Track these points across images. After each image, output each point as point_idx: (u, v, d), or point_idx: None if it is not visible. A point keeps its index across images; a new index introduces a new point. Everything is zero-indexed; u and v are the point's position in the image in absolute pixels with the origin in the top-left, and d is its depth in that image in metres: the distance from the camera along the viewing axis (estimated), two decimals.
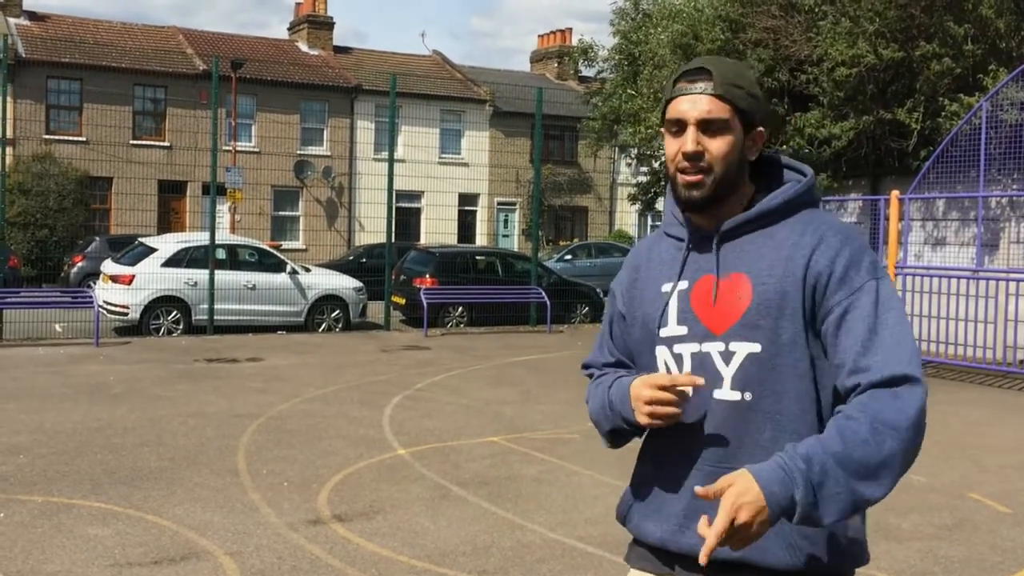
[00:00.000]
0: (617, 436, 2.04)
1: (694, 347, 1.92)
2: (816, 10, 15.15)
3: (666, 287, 1.98)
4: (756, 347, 1.85)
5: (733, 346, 1.87)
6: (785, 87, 15.93)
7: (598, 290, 19.04)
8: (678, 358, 1.94)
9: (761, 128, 1.95)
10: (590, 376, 2.17)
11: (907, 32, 14.42)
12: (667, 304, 1.97)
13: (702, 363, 1.90)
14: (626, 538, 2.12)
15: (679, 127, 1.92)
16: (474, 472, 6.86)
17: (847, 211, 15.79)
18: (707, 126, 1.90)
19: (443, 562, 5.01)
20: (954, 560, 5.27)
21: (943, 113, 13.96)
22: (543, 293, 16.97)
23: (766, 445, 1.83)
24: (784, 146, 16.06)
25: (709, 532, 1.64)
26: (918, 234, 14.45)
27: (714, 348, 1.89)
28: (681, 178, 1.93)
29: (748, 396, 1.85)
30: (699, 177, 1.91)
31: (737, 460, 1.84)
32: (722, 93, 1.89)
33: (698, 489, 1.70)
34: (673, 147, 1.94)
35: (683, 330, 1.94)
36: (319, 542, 5.26)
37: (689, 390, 1.86)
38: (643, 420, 1.88)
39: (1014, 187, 13.23)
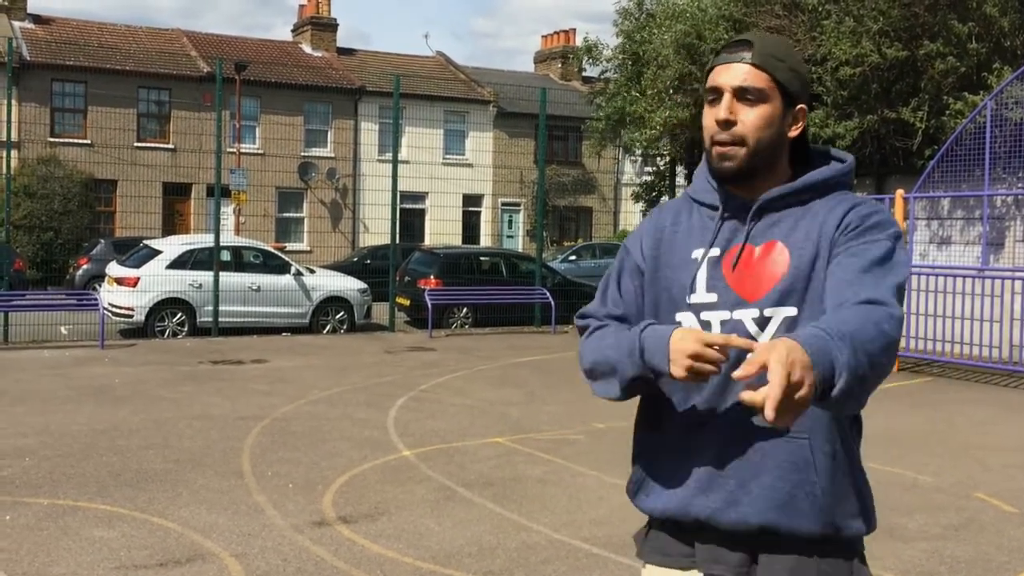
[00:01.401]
0: (635, 385, 1.92)
1: (724, 315, 1.91)
2: (820, 9, 15.14)
3: (696, 253, 1.97)
4: (792, 311, 1.87)
5: (769, 311, 1.88)
6: None
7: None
8: (705, 325, 1.92)
9: (803, 106, 1.96)
10: (585, 327, 2.08)
11: (911, 31, 14.41)
12: (697, 271, 1.95)
13: (733, 330, 1.89)
14: (630, 539, 2.11)
15: (716, 95, 1.93)
16: (479, 473, 6.86)
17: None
18: (744, 94, 1.89)
19: (448, 563, 5.01)
20: (960, 560, 5.26)
21: (947, 112, 13.94)
22: (547, 294, 16.96)
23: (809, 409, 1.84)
24: None
25: (770, 387, 1.49)
26: (923, 233, 14.42)
27: (747, 315, 1.89)
28: (716, 149, 1.93)
29: None
30: (731, 148, 1.91)
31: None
32: (760, 63, 1.89)
33: (741, 371, 1.55)
34: (709, 116, 1.94)
35: (712, 297, 1.93)
36: (324, 544, 5.26)
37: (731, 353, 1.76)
38: (678, 373, 1.77)
39: (1019, 185, 13.20)
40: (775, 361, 1.50)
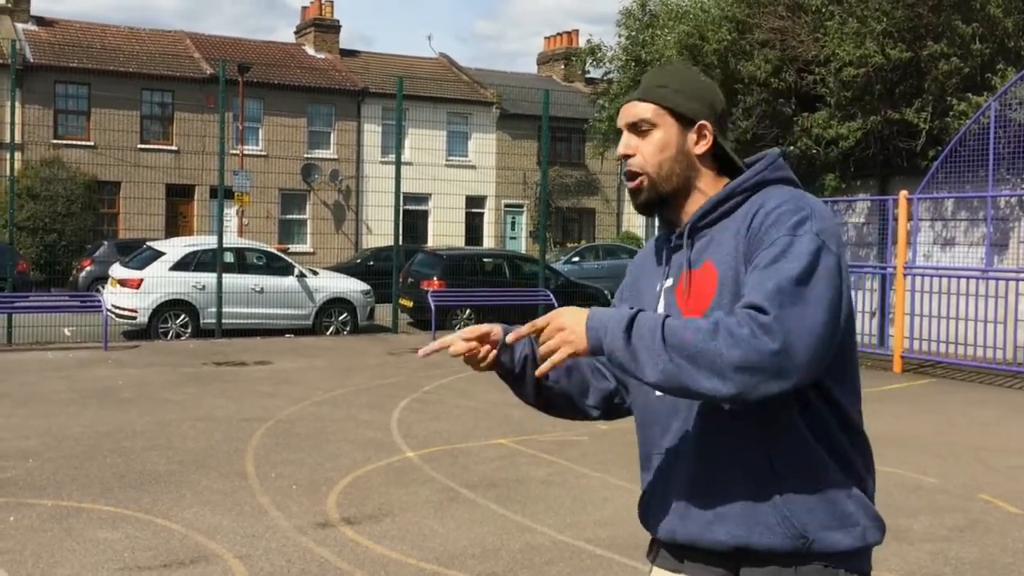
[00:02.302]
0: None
1: None
2: (823, 10, 15.12)
3: (657, 286, 2.04)
4: None
5: None
6: (792, 88, 15.91)
7: (606, 292, 19.02)
8: None
9: (703, 122, 1.98)
10: None
11: (915, 32, 14.39)
12: (658, 303, 2.01)
13: None
14: (634, 540, 2.12)
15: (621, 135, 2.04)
16: (483, 474, 6.85)
17: (855, 211, 15.75)
18: (637, 129, 1.99)
19: (452, 564, 5.00)
20: (965, 562, 5.24)
21: (951, 113, 13.92)
22: (551, 295, 16.95)
23: (751, 422, 1.84)
24: (792, 147, 16.03)
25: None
26: (927, 234, 14.40)
27: None
28: (628, 186, 2.03)
29: None
30: (636, 182, 1.99)
31: (731, 442, 1.87)
32: (642, 96, 1.99)
33: (508, 338, 1.97)
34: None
35: None
36: (328, 545, 5.26)
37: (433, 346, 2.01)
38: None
39: (1023, 186, 13.18)
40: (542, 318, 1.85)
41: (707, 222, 1.96)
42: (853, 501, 1.88)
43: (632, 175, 1.99)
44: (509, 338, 1.95)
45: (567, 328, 1.82)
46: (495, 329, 2.02)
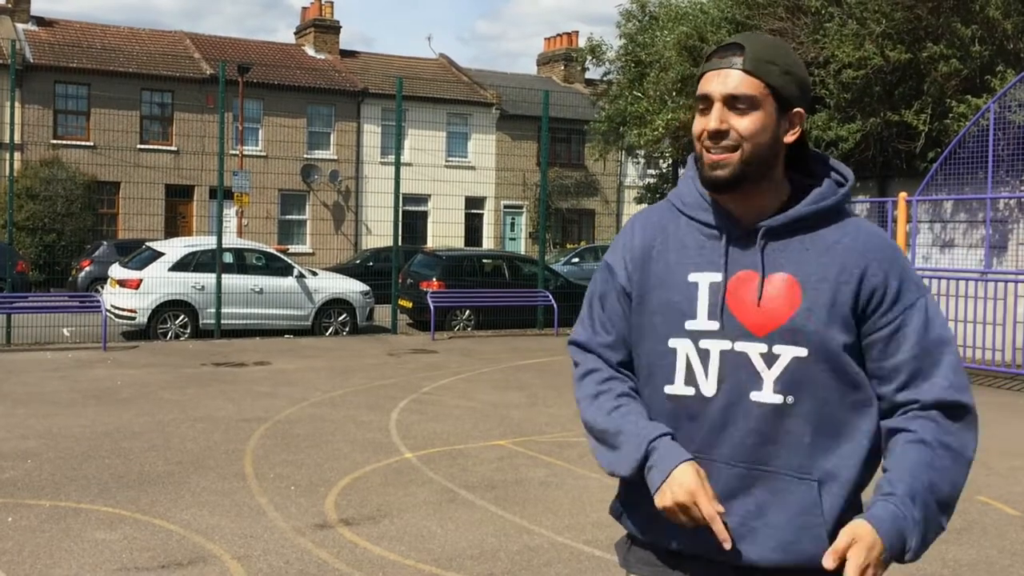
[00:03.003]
0: (621, 478, 1.98)
1: (725, 344, 1.84)
2: (822, 12, 15.13)
3: (695, 276, 1.88)
4: (803, 352, 1.81)
5: (777, 349, 1.82)
6: None
7: None
8: (704, 354, 1.86)
9: (800, 109, 1.88)
10: (579, 361, 2.05)
11: (914, 33, 14.39)
12: (697, 295, 1.88)
13: (735, 362, 1.84)
14: None
15: (707, 103, 1.85)
16: (481, 476, 6.85)
17: (855, 213, 15.77)
18: (735, 102, 1.82)
19: (450, 566, 5.00)
20: (963, 564, 5.24)
21: (951, 115, 13.92)
22: (550, 296, 16.95)
23: (804, 448, 1.83)
24: None
25: None
26: (926, 236, 14.40)
27: (754, 349, 1.83)
28: (707, 156, 1.85)
29: (791, 400, 1.82)
30: (724, 156, 1.83)
31: (773, 461, 1.84)
32: (752, 69, 1.81)
33: (828, 560, 1.71)
34: (699, 125, 1.87)
35: (714, 325, 1.86)
36: (326, 546, 5.26)
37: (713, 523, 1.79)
38: (660, 504, 1.81)
39: (1022, 188, 13.19)
40: (852, 564, 1.68)
41: (787, 231, 1.87)
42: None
43: (719, 150, 1.83)
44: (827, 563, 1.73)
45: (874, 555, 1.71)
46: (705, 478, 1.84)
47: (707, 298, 1.87)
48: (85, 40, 29.69)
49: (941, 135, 14.28)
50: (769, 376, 1.82)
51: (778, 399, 1.82)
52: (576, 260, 27.23)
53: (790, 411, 1.82)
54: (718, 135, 1.83)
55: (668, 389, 1.90)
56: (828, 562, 1.69)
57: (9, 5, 29.86)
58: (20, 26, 29.45)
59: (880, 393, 1.86)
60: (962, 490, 1.83)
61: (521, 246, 34.21)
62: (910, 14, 14.20)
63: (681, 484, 1.77)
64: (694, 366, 1.87)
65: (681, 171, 22.07)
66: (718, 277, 1.87)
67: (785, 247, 1.86)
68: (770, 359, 1.82)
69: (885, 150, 15.29)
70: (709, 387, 1.86)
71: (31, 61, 26.92)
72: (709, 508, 1.75)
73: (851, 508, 1.85)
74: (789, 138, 1.88)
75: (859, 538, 1.69)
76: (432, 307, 15.81)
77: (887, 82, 14.73)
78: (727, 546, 1.76)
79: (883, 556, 1.70)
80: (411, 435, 8.15)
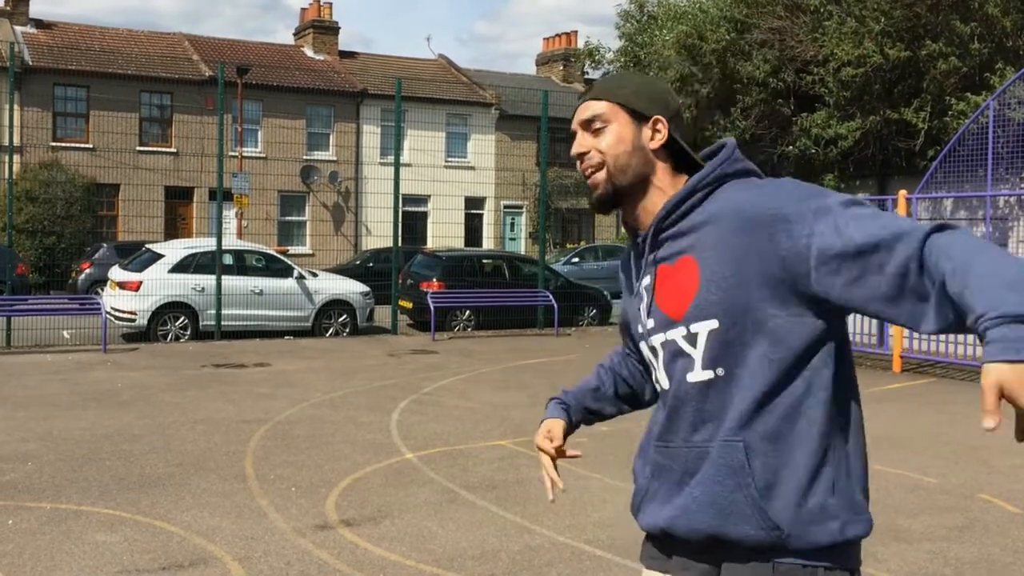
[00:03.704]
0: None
1: (662, 337, 1.97)
2: (822, 10, 15.14)
3: (636, 285, 2.06)
4: (714, 323, 1.87)
5: (694, 327, 1.90)
6: (791, 87, 15.92)
7: (605, 293, 19.02)
8: (653, 351, 2.01)
9: (657, 117, 1.98)
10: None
11: (913, 31, 14.40)
12: (640, 302, 2.04)
13: (671, 351, 1.95)
14: (634, 541, 2.13)
15: (572, 137, 2.04)
16: (482, 476, 6.85)
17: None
18: (590, 126, 2.00)
19: (451, 566, 5.00)
20: (964, 561, 5.24)
21: (950, 112, 13.93)
22: (550, 296, 16.94)
23: (739, 415, 1.85)
24: (791, 146, 16.04)
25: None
26: None
27: (677, 334, 1.93)
28: (588, 184, 2.03)
29: (720, 371, 1.88)
30: (594, 177, 2.00)
31: (721, 433, 1.87)
32: (596, 96, 2.01)
33: (988, 424, 1.57)
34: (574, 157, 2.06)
35: (651, 323, 2.00)
36: (327, 547, 5.25)
37: (547, 482, 2.31)
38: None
39: (1022, 185, 13.18)
40: (987, 390, 1.55)
41: (672, 220, 1.96)
42: (840, 497, 1.85)
43: (590, 171, 2.00)
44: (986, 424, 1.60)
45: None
46: (556, 430, 2.34)
47: (645, 301, 2.03)
48: (84, 42, 29.69)
49: (941, 133, 14.28)
50: (697, 354, 1.91)
51: (708, 374, 1.89)
52: (576, 260, 27.22)
53: (722, 382, 1.88)
54: (581, 157, 2.01)
55: (658, 389, 2.08)
56: (989, 422, 1.57)
57: (8, 8, 29.87)
58: (19, 28, 29.45)
59: (880, 303, 1.72)
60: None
61: (521, 246, 34.20)
62: (909, 12, 14.21)
63: (541, 430, 2.31)
64: (653, 363, 2.04)
65: None
66: (648, 280, 2.02)
67: (686, 233, 1.95)
68: (691, 339, 1.91)
69: (885, 148, 15.30)
70: (664, 379, 2.00)
71: (30, 63, 26.92)
72: (540, 444, 2.29)
73: (792, 470, 1.82)
74: (654, 144, 1.99)
75: (1001, 381, 1.56)
76: (432, 307, 15.80)
77: (886, 80, 14.73)
78: (549, 496, 2.29)
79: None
80: (412, 435, 8.15)
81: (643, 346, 2.06)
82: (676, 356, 1.94)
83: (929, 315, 1.67)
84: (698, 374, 1.90)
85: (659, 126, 1.99)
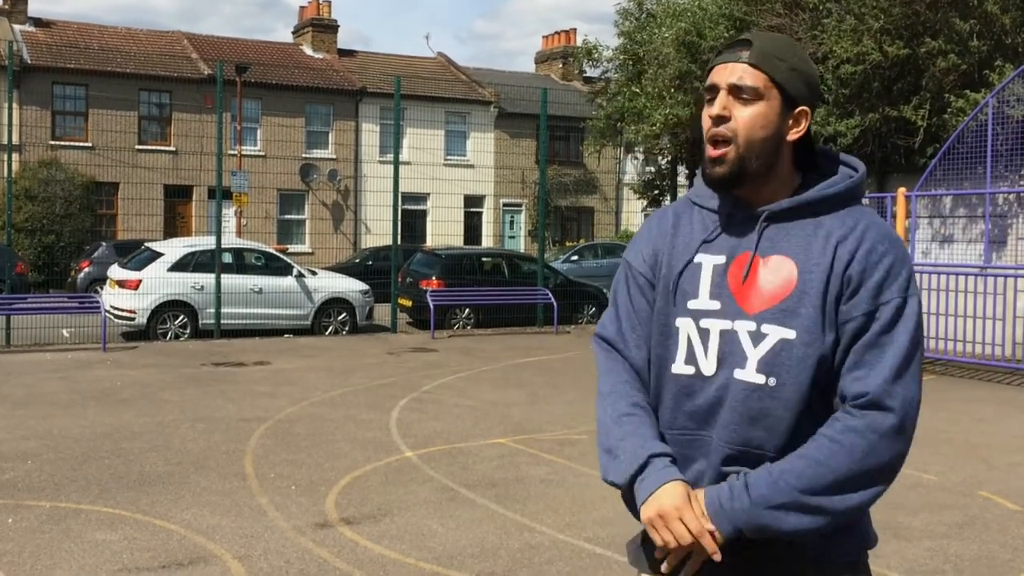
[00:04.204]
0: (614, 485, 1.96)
1: (725, 324, 1.88)
2: (821, 8, 15.13)
3: (700, 258, 1.93)
4: (791, 334, 1.82)
5: (765, 328, 1.84)
6: None
7: (605, 291, 19.01)
8: (704, 333, 1.90)
9: (805, 108, 1.90)
10: (604, 350, 2.08)
11: (912, 29, 14.39)
12: (700, 276, 1.92)
13: (728, 339, 1.87)
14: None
15: (713, 93, 1.90)
16: (482, 474, 6.85)
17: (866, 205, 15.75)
18: (739, 92, 1.86)
19: (451, 564, 5.00)
20: (964, 558, 5.24)
21: (949, 110, 13.92)
22: (550, 294, 16.94)
23: (785, 432, 1.83)
24: None
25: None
26: (925, 231, 14.41)
27: (743, 327, 1.86)
28: (708, 152, 1.90)
29: (772, 381, 1.83)
30: (722, 151, 1.87)
31: (757, 443, 1.84)
32: (757, 62, 1.86)
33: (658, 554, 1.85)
34: (706, 115, 1.91)
35: (715, 305, 1.89)
36: (327, 545, 5.25)
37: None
38: (644, 516, 1.85)
39: (1021, 183, 13.18)
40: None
41: (790, 216, 1.89)
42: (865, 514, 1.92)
43: (719, 140, 1.88)
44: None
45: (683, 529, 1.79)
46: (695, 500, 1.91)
47: (709, 278, 1.91)
48: (83, 41, 29.66)
49: (940, 130, 14.27)
50: (754, 355, 1.84)
51: (760, 379, 1.84)
52: (575, 258, 27.21)
53: (772, 392, 1.83)
54: (720, 119, 1.87)
55: (673, 368, 1.93)
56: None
57: (6, 6, 29.84)
58: (17, 27, 29.43)
59: (839, 385, 1.83)
60: (870, 476, 1.76)
61: (520, 244, 34.20)
62: (908, 9, 14.20)
63: (670, 498, 1.81)
64: (695, 345, 1.91)
65: (680, 168, 22.11)
66: (721, 259, 1.91)
67: (788, 231, 1.88)
68: (757, 337, 1.85)
69: (884, 145, 15.29)
70: (709, 366, 1.89)
71: (29, 62, 26.90)
72: (696, 524, 1.79)
73: None
74: (793, 136, 1.91)
75: (667, 513, 1.80)
76: (432, 306, 15.80)
77: (885, 77, 14.73)
78: (717, 558, 1.79)
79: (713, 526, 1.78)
80: (411, 434, 8.15)
81: (684, 322, 1.92)
82: (731, 347, 1.86)
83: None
84: (748, 374, 1.84)
85: (803, 119, 1.91)
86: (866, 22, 14.21)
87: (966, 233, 14.01)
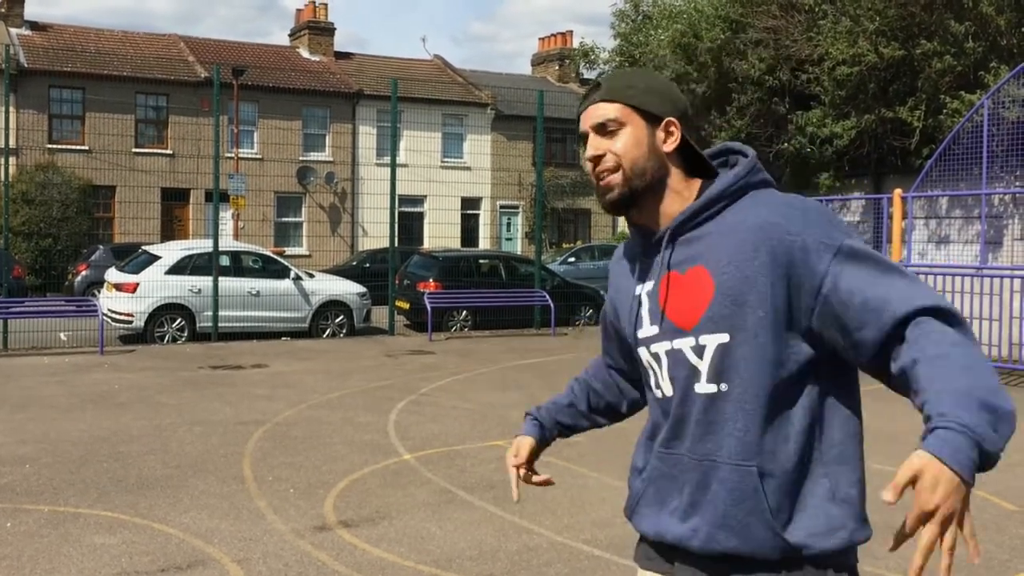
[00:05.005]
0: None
1: (667, 345, 1.95)
2: (816, 9, 15.17)
3: (638, 289, 2.03)
4: (724, 337, 1.86)
5: (703, 339, 1.88)
6: (786, 86, 15.94)
7: (602, 292, 19.03)
8: (655, 357, 1.98)
9: (670, 119, 1.96)
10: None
11: (907, 30, 14.43)
12: (639, 306, 2.01)
13: (677, 360, 1.93)
14: (632, 541, 2.13)
15: (584, 139, 2.00)
16: (480, 476, 6.86)
17: (850, 210, 15.78)
18: (603, 130, 1.96)
19: (449, 567, 5.01)
20: (961, 558, 5.21)
21: (945, 111, 13.95)
22: (547, 296, 16.96)
23: (742, 435, 1.85)
24: (786, 144, 16.06)
25: (919, 546, 1.65)
26: (921, 232, 14.43)
27: (685, 344, 1.91)
28: (598, 186, 1.98)
29: (724, 387, 1.87)
30: (609, 179, 1.95)
31: (719, 452, 1.87)
32: (609, 96, 1.96)
33: (887, 497, 1.63)
34: (585, 161, 2.02)
35: (655, 329, 1.97)
36: (325, 548, 5.26)
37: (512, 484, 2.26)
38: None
39: (1017, 184, 13.22)
40: (920, 506, 1.63)
41: (691, 226, 1.94)
42: (843, 507, 1.90)
43: (605, 173, 1.96)
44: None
45: (941, 486, 1.61)
46: (523, 449, 2.28)
47: (647, 306, 2.00)
48: (79, 44, 29.66)
49: (935, 131, 14.31)
50: (703, 366, 1.89)
51: (712, 387, 1.88)
52: (572, 260, 27.22)
53: (725, 398, 1.87)
54: (597, 160, 1.97)
55: (649, 395, 2.07)
56: (888, 496, 1.62)
57: (2, 10, 29.83)
58: (14, 31, 29.41)
59: (863, 352, 1.79)
60: (993, 373, 1.66)
61: (517, 246, 34.21)
62: (903, 11, 14.24)
63: (510, 449, 2.26)
64: (655, 370, 2.00)
65: None
66: (651, 285, 1.99)
67: (698, 240, 1.93)
68: (699, 350, 1.90)
69: (880, 147, 15.33)
70: (667, 387, 1.97)
71: (25, 66, 26.88)
72: (507, 459, 2.25)
73: (803, 488, 1.87)
74: (668, 147, 1.97)
75: (920, 468, 1.61)
76: (429, 308, 15.81)
77: (881, 79, 14.76)
78: (513, 496, 2.22)
79: (955, 480, 1.59)
80: (409, 436, 8.16)
81: (641, 352, 2.02)
82: (681, 366, 1.92)
83: (880, 361, 1.77)
84: (704, 386, 1.89)
85: (672, 128, 1.96)
86: (861, 24, 14.24)
87: (962, 234, 14.04)
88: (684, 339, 1.91)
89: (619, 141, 1.95)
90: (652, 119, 1.95)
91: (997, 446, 1.59)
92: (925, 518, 1.65)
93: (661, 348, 1.96)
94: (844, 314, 1.78)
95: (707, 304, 1.88)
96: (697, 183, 2.00)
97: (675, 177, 1.99)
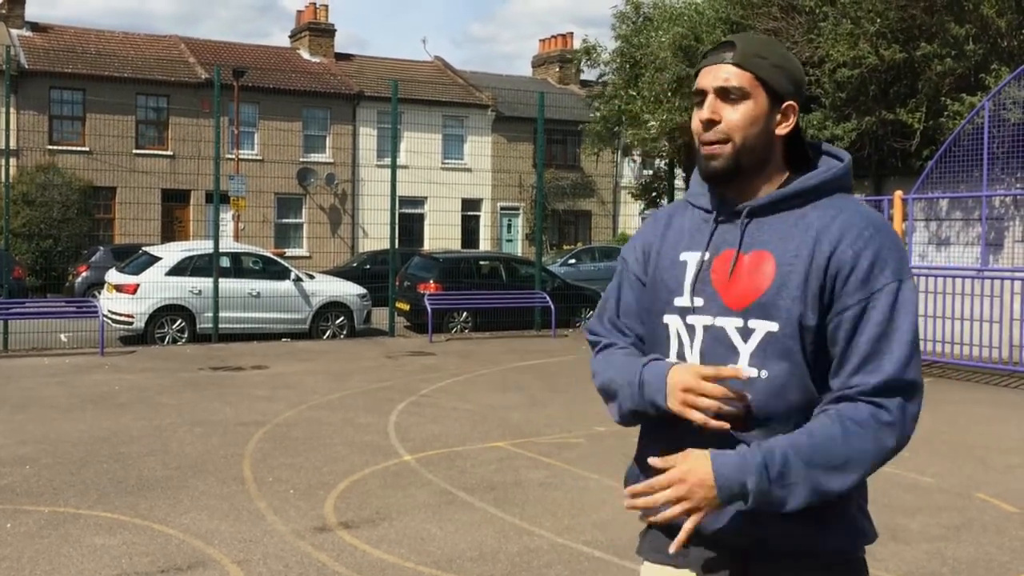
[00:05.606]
0: (637, 416, 1.98)
1: (708, 320, 1.92)
2: (817, 11, 15.16)
3: (686, 256, 1.98)
4: (774, 326, 1.85)
5: (752, 323, 1.87)
6: None
7: (602, 294, 19.01)
8: (690, 329, 1.94)
9: (792, 102, 1.94)
10: (595, 343, 2.14)
11: (908, 33, 14.43)
12: (685, 273, 1.96)
13: (716, 337, 1.90)
14: (632, 542, 2.12)
15: (701, 97, 1.94)
16: (480, 477, 6.86)
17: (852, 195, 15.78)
18: (726, 94, 1.90)
19: (450, 568, 5.01)
20: (961, 561, 5.25)
21: (945, 113, 13.95)
22: (547, 297, 16.96)
23: (773, 421, 1.85)
24: None
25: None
26: (922, 234, 14.43)
27: (730, 324, 1.89)
28: (703, 149, 1.94)
29: (764, 374, 1.86)
30: (717, 148, 1.91)
31: (746, 433, 1.86)
32: (741, 62, 1.90)
33: (652, 460, 1.80)
34: (696, 119, 1.95)
35: (699, 302, 1.93)
36: (326, 549, 5.26)
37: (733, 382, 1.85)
38: (675, 407, 1.84)
39: (1018, 186, 13.22)
40: (668, 474, 1.79)
41: (772, 211, 1.92)
42: (859, 503, 1.94)
43: (714, 142, 1.91)
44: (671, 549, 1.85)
45: (688, 482, 1.77)
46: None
47: (693, 275, 1.95)
48: (80, 45, 29.67)
49: (936, 133, 14.30)
50: (745, 350, 1.88)
51: (752, 372, 1.86)
52: (573, 261, 27.24)
53: (763, 386, 1.86)
54: (710, 123, 1.91)
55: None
56: (655, 461, 1.81)
57: (3, 11, 29.84)
58: (14, 32, 29.43)
59: (833, 380, 1.85)
60: (867, 462, 1.81)
61: (518, 248, 34.21)
62: (904, 13, 14.24)
63: (679, 372, 1.86)
64: (683, 341, 1.95)
65: (677, 171, 22.16)
66: (706, 256, 1.95)
67: (770, 225, 1.91)
68: (746, 333, 1.88)
69: (880, 148, 15.32)
70: (694, 361, 1.93)
71: (26, 67, 26.89)
72: (709, 369, 1.84)
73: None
74: (782, 130, 1.94)
75: (689, 456, 1.79)
76: (429, 309, 15.81)
77: (882, 81, 14.76)
78: (741, 372, 1.84)
79: (709, 482, 1.76)
80: (409, 437, 8.15)
81: (671, 319, 1.97)
82: (719, 344, 1.90)
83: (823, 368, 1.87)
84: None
85: (791, 112, 1.94)
86: (862, 26, 14.24)
87: (963, 236, 14.04)
88: (730, 319, 1.89)
89: (738, 112, 1.90)
90: (775, 98, 1.92)
91: (757, 499, 1.76)
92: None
93: (699, 321, 1.93)
94: (843, 336, 1.83)
95: (764, 290, 1.87)
96: (786, 173, 1.98)
97: (776, 160, 1.97)
